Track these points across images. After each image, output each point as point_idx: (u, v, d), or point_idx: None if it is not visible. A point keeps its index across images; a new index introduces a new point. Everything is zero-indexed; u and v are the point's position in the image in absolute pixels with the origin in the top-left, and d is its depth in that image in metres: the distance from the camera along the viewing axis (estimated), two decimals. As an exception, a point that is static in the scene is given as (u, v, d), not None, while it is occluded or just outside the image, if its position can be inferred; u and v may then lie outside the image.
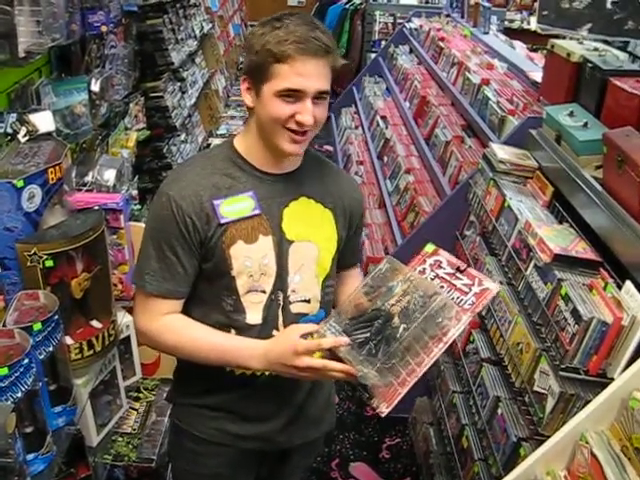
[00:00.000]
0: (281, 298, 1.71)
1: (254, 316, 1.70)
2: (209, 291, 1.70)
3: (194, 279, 1.69)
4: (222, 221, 1.62)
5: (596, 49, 2.62)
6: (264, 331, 1.71)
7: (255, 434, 1.82)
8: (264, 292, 1.69)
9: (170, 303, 1.68)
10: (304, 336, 1.57)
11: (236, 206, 1.64)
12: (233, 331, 1.71)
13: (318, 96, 1.57)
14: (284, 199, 1.70)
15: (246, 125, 1.73)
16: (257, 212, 1.65)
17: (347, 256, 1.89)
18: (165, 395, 2.31)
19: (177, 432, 1.91)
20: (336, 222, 1.78)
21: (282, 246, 1.69)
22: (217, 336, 1.68)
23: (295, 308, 1.74)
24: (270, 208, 1.67)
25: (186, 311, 1.73)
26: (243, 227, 1.64)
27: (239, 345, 1.67)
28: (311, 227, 1.74)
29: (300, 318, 1.74)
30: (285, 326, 1.72)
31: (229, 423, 1.81)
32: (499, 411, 2.28)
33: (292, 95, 1.55)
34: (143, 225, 2.42)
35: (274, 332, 1.72)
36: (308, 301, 1.76)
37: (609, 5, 2.42)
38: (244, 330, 1.70)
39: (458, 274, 1.60)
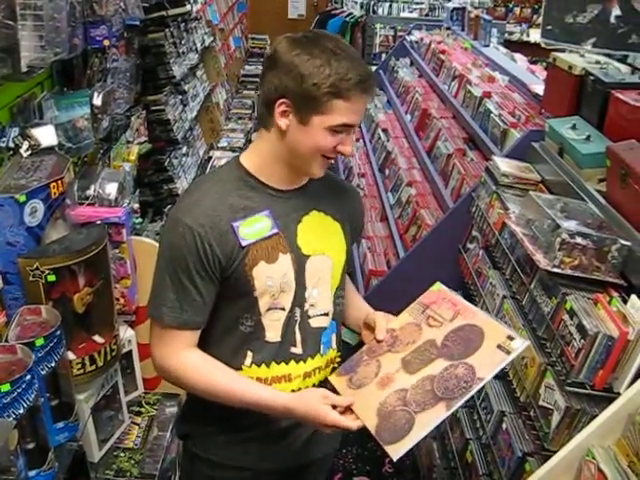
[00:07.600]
0: (298, 314, 1.70)
1: (273, 334, 1.68)
2: (227, 313, 1.67)
3: (211, 307, 1.66)
4: (243, 243, 1.60)
5: (597, 62, 2.63)
6: (282, 348, 1.70)
7: (278, 453, 1.80)
8: (283, 309, 1.68)
9: (188, 334, 1.64)
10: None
11: (254, 227, 1.61)
12: (249, 353, 1.68)
13: None
14: (297, 214, 1.69)
15: (256, 143, 1.69)
16: (275, 231, 1.63)
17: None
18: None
19: (194, 460, 1.87)
20: (344, 233, 1.79)
21: (299, 262, 1.67)
22: (238, 384, 1.65)
23: (315, 322, 1.73)
24: (286, 225, 1.66)
25: (202, 335, 1.69)
26: (263, 247, 1.62)
27: (260, 398, 1.64)
28: (324, 240, 1.73)
29: (320, 332, 1.74)
30: (303, 341, 1.71)
31: (252, 445, 1.78)
32: (504, 426, 2.27)
33: (343, 129, 1.55)
34: (145, 240, 2.43)
35: (292, 349, 1.71)
36: (327, 314, 1.76)
37: (613, 19, 2.43)
38: (262, 349, 1.68)
39: None
